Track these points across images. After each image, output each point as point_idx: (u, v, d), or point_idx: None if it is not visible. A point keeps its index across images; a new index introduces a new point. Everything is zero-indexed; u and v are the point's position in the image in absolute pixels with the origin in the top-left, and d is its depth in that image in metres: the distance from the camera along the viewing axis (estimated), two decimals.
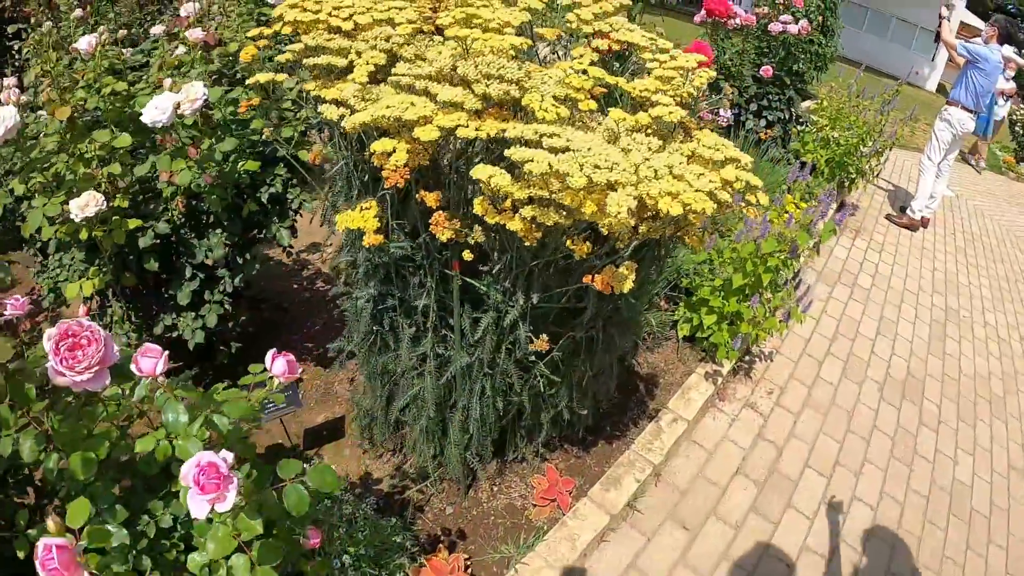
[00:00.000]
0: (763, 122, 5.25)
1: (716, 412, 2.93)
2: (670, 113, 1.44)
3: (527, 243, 1.31)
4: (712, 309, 2.80)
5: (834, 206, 5.47)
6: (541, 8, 1.65)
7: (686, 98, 1.57)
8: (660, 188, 1.17)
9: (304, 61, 1.44)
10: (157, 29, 2.32)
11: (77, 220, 1.83)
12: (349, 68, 1.41)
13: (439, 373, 1.80)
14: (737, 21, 5.22)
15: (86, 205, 1.84)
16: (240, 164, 1.92)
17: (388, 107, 1.24)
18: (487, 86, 1.31)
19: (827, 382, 3.38)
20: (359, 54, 1.41)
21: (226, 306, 2.20)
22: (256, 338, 2.71)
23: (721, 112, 4.86)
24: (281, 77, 1.52)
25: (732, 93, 5.21)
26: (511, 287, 1.59)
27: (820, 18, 6.05)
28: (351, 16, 1.52)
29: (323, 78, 1.46)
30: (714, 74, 1.68)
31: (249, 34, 1.66)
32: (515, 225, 1.27)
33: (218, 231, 2.02)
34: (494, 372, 1.74)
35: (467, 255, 1.43)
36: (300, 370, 1.73)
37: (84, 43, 2.07)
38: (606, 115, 1.46)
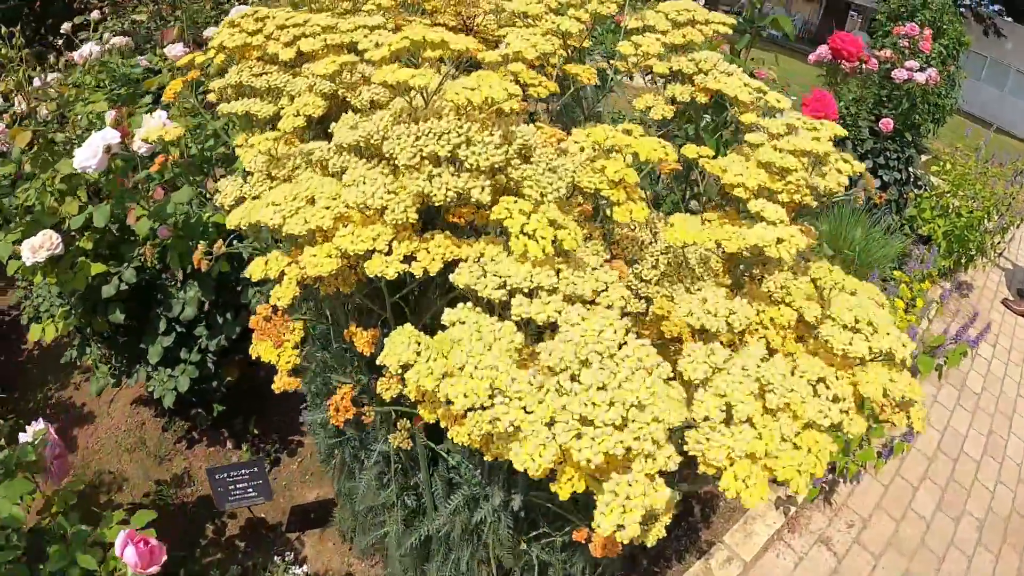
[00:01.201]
0: (877, 182, 4.62)
1: (782, 547, 2.42)
2: (779, 244, 0.87)
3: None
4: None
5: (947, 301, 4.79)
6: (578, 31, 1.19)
7: (809, 203, 1.03)
8: (728, 450, 0.68)
9: (219, 108, 1.05)
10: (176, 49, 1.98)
11: (28, 264, 1.53)
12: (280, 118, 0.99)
13: (407, 524, 1.39)
14: (858, 63, 4.62)
15: (39, 247, 1.53)
16: (208, 216, 1.57)
17: (272, 204, 0.84)
18: (429, 178, 0.79)
19: (919, 515, 2.80)
20: (292, 98, 1.00)
21: (209, 364, 1.87)
22: (249, 395, 2.38)
23: None
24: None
25: (851, 159, 4.61)
26: (483, 479, 1.17)
27: (942, 66, 5.37)
28: (295, 40, 1.09)
29: (249, 130, 1.07)
30: (858, 165, 1.12)
31: (179, 63, 1.28)
32: (462, 437, 0.74)
33: (194, 285, 1.68)
34: (476, 542, 1.32)
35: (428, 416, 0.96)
36: (163, 559, 1.37)
37: (86, 50, 1.78)
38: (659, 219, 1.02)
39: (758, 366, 0.75)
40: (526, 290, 0.74)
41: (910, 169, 4.81)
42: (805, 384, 0.78)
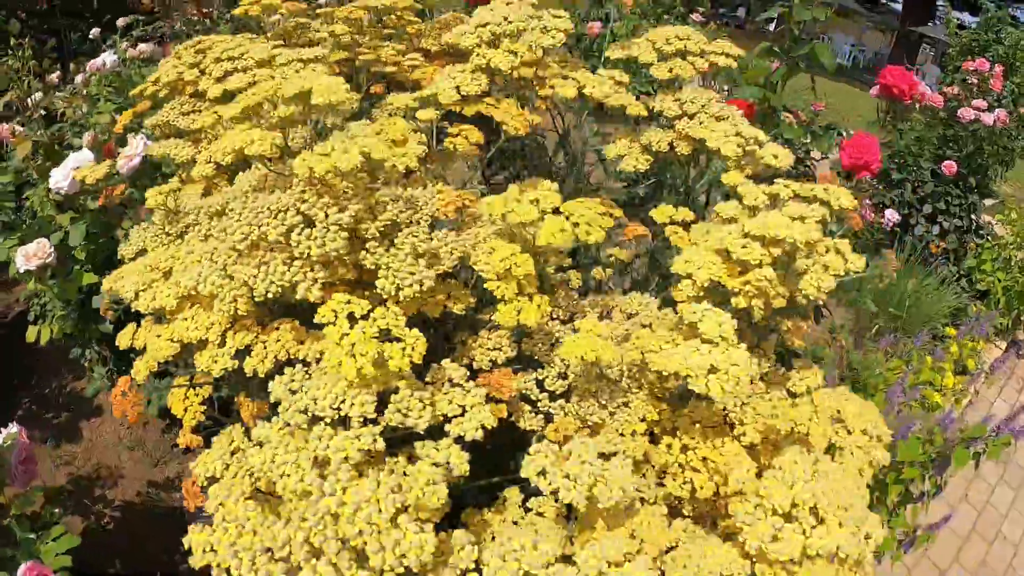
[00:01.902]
0: (936, 229, 4.36)
1: None
2: (711, 375, 0.63)
3: None
4: None
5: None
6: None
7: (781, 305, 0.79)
8: None
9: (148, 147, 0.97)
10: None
11: (20, 271, 1.50)
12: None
13: None
14: (921, 99, 4.38)
15: (33, 255, 1.50)
16: None
17: (133, 273, 0.77)
18: (259, 266, 0.66)
19: None
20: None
21: None
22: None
23: (888, 213, 4.05)
24: None
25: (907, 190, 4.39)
26: None
27: (1013, 105, 5.06)
28: (225, 76, 0.97)
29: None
30: (856, 261, 0.86)
31: (132, 92, 1.20)
32: None
33: None
34: None
35: None
36: None
37: (99, 61, 1.75)
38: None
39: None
40: (329, 419, 0.58)
41: (973, 216, 4.53)
42: None
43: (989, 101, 4.62)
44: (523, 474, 0.58)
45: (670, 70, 1.03)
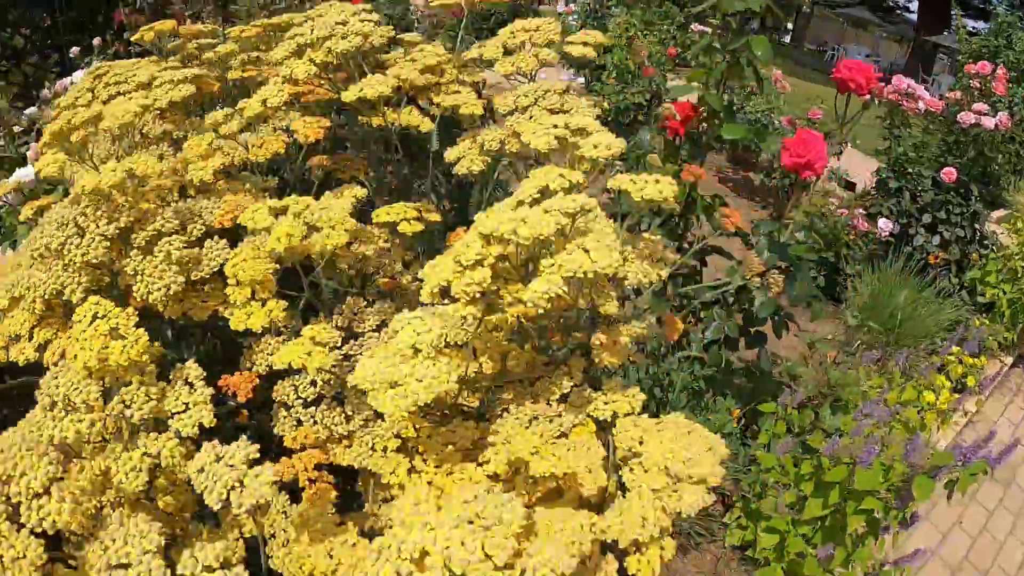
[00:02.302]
0: (936, 239, 4.16)
1: None
2: None
3: None
4: (774, 529, 1.97)
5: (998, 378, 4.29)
6: None
7: None
8: None
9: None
10: None
11: None
12: None
13: None
14: (921, 105, 4.20)
15: None
16: None
17: None
18: None
19: None
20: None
21: None
22: None
23: (881, 223, 3.85)
24: None
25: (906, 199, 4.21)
26: None
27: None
28: (109, 99, 0.95)
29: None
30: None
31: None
32: None
33: None
34: None
35: None
36: None
37: (67, 81, 1.76)
38: None
39: None
40: (62, 405, 0.63)
41: (976, 226, 4.33)
42: None
43: (992, 105, 4.43)
44: None
45: (512, 64, 0.94)
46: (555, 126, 0.74)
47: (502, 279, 0.59)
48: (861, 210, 3.88)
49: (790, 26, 31.27)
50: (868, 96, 1.57)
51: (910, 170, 4.18)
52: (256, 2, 2.32)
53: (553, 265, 0.55)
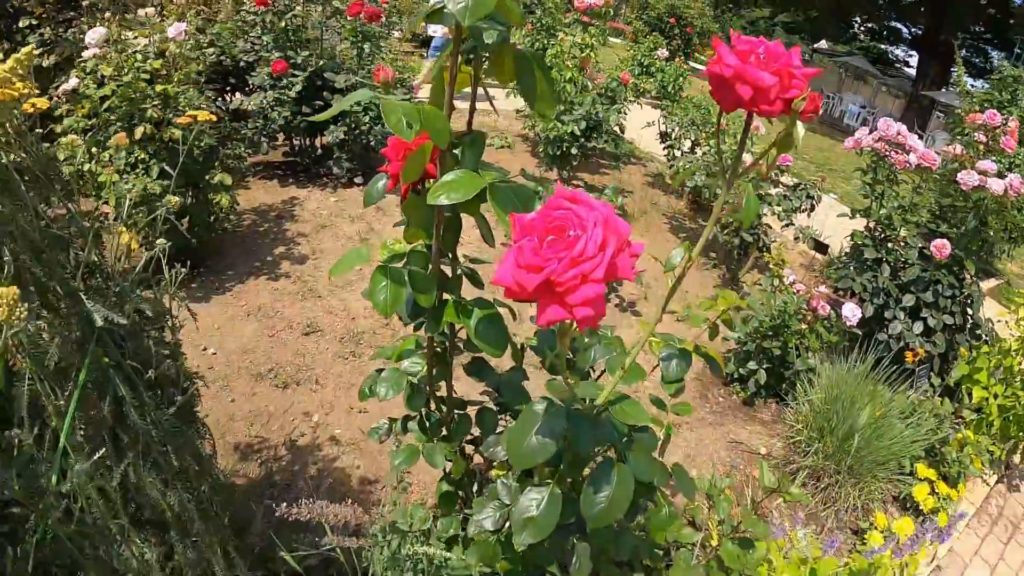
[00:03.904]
0: (919, 327, 3.34)
1: None
2: None
3: None
4: None
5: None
6: None
7: None
8: None
9: None
10: None
11: None
12: None
13: None
14: (912, 158, 3.40)
15: None
16: None
17: None
18: None
19: None
20: None
21: None
22: None
23: (846, 310, 3.00)
24: None
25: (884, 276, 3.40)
26: None
27: None
28: None
29: None
30: None
31: None
32: None
33: None
34: None
35: None
36: None
37: None
38: None
39: None
40: None
41: (967, 313, 3.52)
42: None
43: (1002, 165, 3.64)
44: None
45: None
46: None
47: None
48: (823, 287, 3.07)
49: None
50: (777, 113, 0.73)
51: (892, 238, 3.38)
52: None
53: None
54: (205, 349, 2.98)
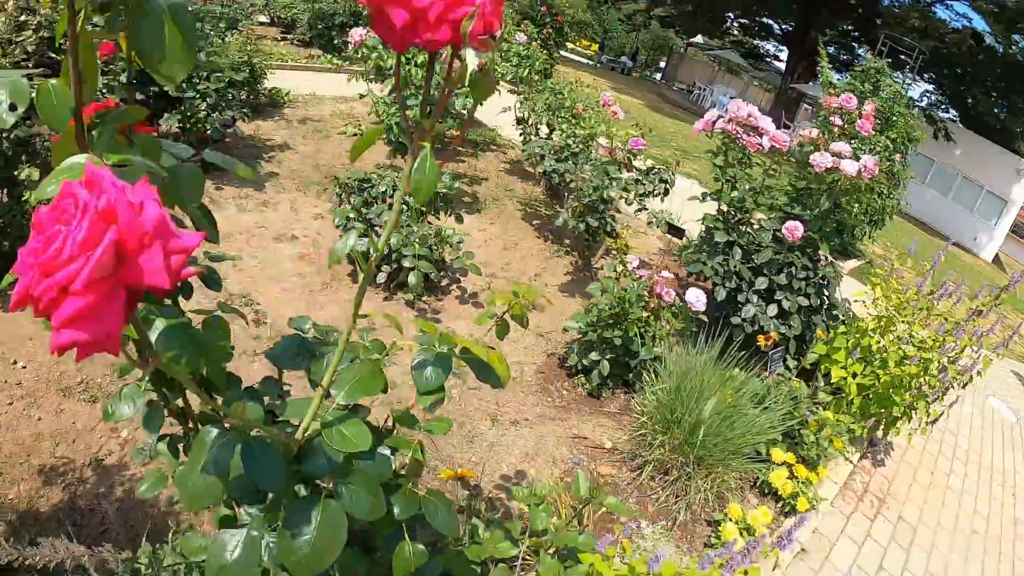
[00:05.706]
0: (773, 310, 3.30)
1: None
2: None
3: None
4: None
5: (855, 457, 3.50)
6: None
7: None
8: None
9: None
10: None
11: None
12: None
13: None
14: (765, 140, 3.36)
15: None
16: None
17: None
18: None
19: None
20: None
21: None
22: None
23: (691, 296, 2.91)
24: None
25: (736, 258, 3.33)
26: None
27: (890, 159, 4.17)
28: None
29: None
30: None
31: None
32: None
33: None
34: None
35: None
36: None
37: None
38: None
39: None
40: None
41: (824, 295, 3.53)
42: None
43: (856, 148, 3.68)
44: None
45: None
46: None
47: None
48: (667, 272, 2.97)
49: (663, 64, 31.86)
50: (434, 44, 0.52)
51: (744, 220, 3.33)
52: None
53: None
54: (15, 363, 2.66)
